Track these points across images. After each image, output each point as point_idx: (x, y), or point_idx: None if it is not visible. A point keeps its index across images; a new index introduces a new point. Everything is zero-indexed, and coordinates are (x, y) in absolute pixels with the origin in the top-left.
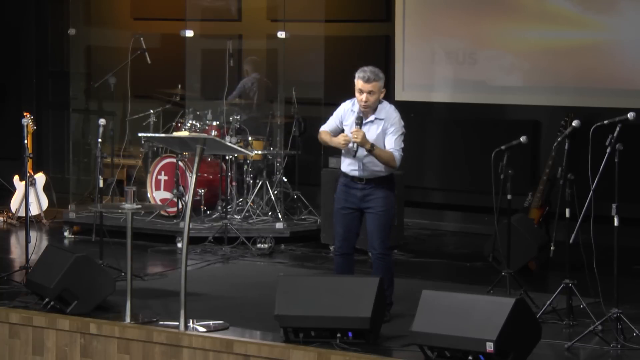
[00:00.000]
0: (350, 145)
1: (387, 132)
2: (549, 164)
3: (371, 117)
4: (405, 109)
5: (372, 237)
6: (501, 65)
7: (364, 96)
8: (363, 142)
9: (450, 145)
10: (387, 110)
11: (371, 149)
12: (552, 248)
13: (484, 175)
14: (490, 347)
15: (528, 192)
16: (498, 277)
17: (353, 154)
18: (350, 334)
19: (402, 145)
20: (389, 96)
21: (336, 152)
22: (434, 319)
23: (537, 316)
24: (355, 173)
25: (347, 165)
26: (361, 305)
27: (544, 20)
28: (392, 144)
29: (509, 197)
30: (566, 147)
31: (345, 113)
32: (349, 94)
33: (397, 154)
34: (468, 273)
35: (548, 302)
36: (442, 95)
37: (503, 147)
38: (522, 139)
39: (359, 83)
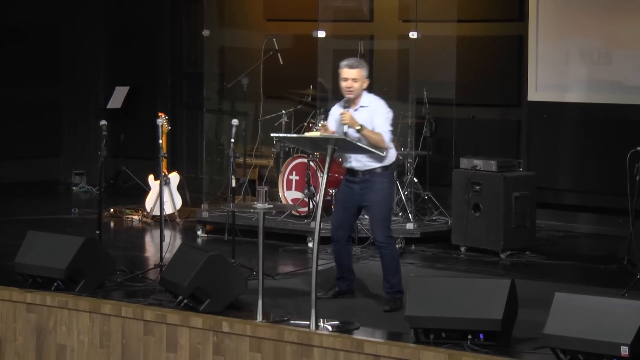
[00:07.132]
0: (345, 128)
1: (374, 117)
2: None
3: (357, 106)
4: (538, 109)
5: (373, 229)
6: (638, 65)
7: (348, 82)
8: (351, 123)
9: (584, 146)
10: (372, 99)
11: (360, 129)
12: None
13: (619, 177)
14: (625, 351)
15: None
16: (633, 280)
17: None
18: (481, 335)
19: (391, 128)
20: (522, 96)
21: (468, 152)
22: (567, 321)
23: None
24: (350, 165)
25: (345, 161)
26: (493, 306)
27: None
28: (380, 126)
29: None
30: None
31: (336, 112)
32: (481, 94)
33: (386, 135)
34: (602, 276)
35: None
36: (575, 96)
37: (639, 148)
38: None
39: (343, 72)
